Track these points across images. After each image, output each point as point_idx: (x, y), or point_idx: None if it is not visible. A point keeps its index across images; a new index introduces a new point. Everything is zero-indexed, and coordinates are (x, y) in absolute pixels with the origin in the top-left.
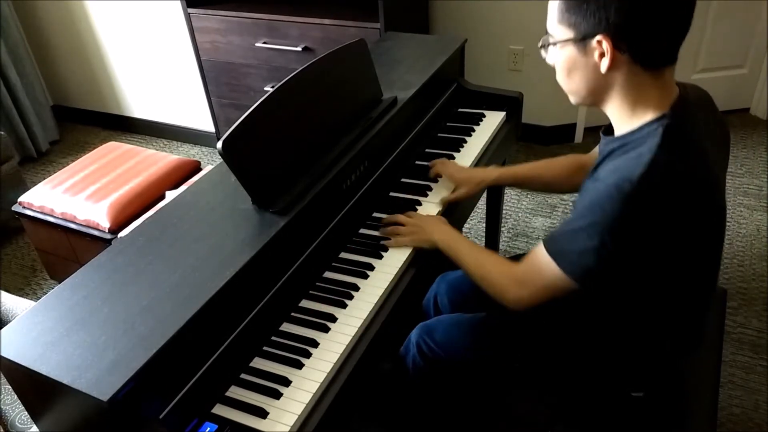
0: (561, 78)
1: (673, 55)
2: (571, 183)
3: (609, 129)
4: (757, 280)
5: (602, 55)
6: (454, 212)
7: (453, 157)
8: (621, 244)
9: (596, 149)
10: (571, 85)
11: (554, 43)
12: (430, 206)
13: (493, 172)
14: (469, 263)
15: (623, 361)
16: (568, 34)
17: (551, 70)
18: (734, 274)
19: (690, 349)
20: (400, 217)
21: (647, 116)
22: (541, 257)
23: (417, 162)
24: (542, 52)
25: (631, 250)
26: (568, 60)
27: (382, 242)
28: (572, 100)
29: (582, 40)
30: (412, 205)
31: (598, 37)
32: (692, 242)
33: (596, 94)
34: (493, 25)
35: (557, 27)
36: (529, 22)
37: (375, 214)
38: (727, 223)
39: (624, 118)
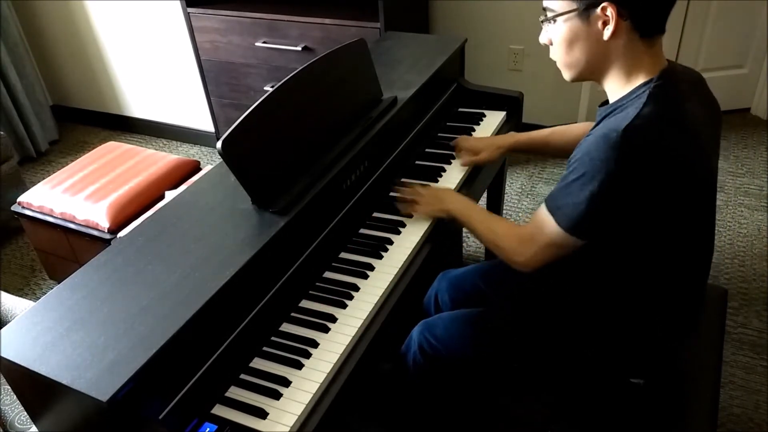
0: (560, 52)
1: (664, 24)
2: None
3: (605, 104)
4: (757, 280)
5: (605, 23)
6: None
7: (453, 157)
8: (610, 191)
9: None
10: (572, 57)
11: (556, 17)
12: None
13: (510, 138)
14: (482, 230)
15: (621, 343)
16: (571, 5)
17: (551, 70)
18: (735, 274)
19: (685, 331)
20: (418, 188)
21: (639, 81)
22: (542, 216)
23: (417, 162)
24: (544, 26)
25: (620, 197)
26: (569, 31)
27: (398, 205)
28: (568, 75)
29: (585, 10)
30: None
31: (604, 4)
32: (680, 199)
33: (595, 64)
34: (493, 24)
35: (558, 2)
36: (529, 22)
37: (375, 214)
38: (728, 223)
39: (618, 86)
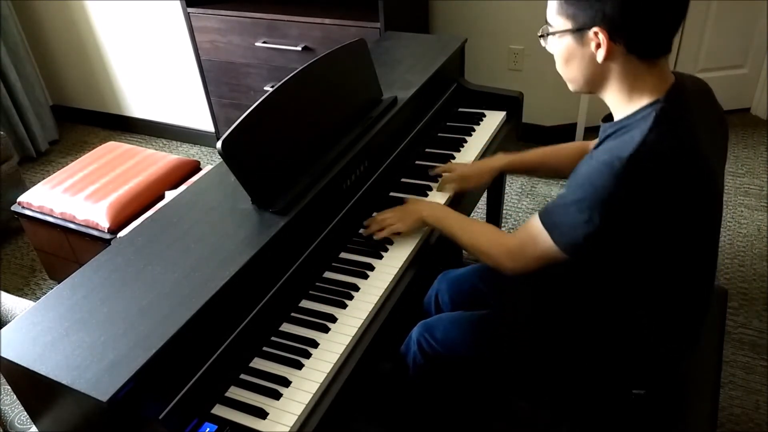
0: (559, 66)
1: (668, 45)
2: None
3: (609, 117)
4: (757, 281)
5: (598, 45)
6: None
7: (453, 157)
8: (609, 219)
9: None
10: (569, 73)
11: (552, 33)
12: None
13: (501, 160)
14: (462, 235)
15: (624, 357)
16: (566, 25)
17: (552, 70)
18: (735, 275)
19: (688, 345)
20: (379, 216)
21: (643, 101)
22: (535, 228)
23: (417, 162)
24: (542, 41)
25: (620, 226)
26: (566, 50)
27: (374, 237)
28: (571, 87)
29: (579, 31)
30: None
31: (595, 29)
32: (684, 224)
33: (593, 82)
34: (493, 24)
35: (556, 18)
36: (529, 22)
37: (375, 214)
38: (728, 223)
39: (621, 104)
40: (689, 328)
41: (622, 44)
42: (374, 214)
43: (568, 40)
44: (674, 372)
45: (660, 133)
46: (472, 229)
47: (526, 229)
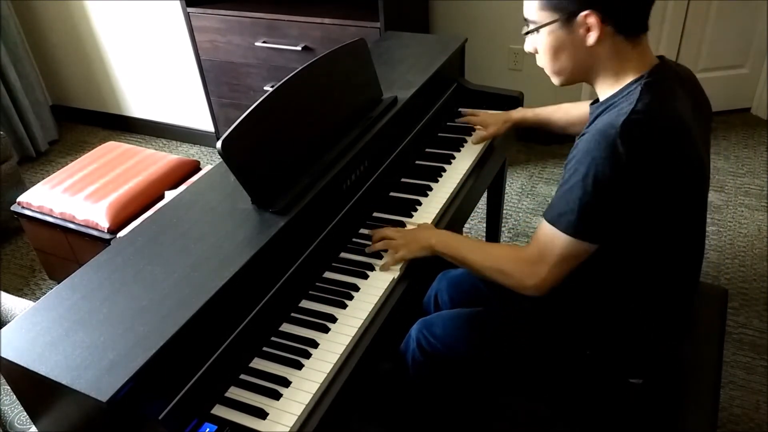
0: (546, 60)
1: (647, 22)
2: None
3: (596, 101)
4: (758, 281)
5: (588, 29)
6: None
7: (453, 157)
8: (613, 186)
9: None
10: (558, 65)
11: (538, 28)
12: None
13: (516, 113)
14: (477, 260)
15: (617, 342)
16: (552, 16)
17: None
18: (735, 275)
19: (680, 328)
20: (388, 231)
21: (628, 79)
22: (545, 230)
23: (417, 162)
24: (527, 39)
25: (623, 191)
26: (554, 41)
27: (378, 267)
28: (557, 80)
29: (567, 19)
30: (413, 205)
31: (585, 12)
32: (674, 196)
33: (582, 69)
34: (493, 24)
35: (539, 13)
36: None
37: (375, 214)
38: (728, 223)
39: (608, 85)
40: (680, 312)
41: (612, 24)
42: (374, 213)
43: (557, 31)
44: (669, 357)
45: (647, 101)
46: (485, 250)
47: (536, 235)
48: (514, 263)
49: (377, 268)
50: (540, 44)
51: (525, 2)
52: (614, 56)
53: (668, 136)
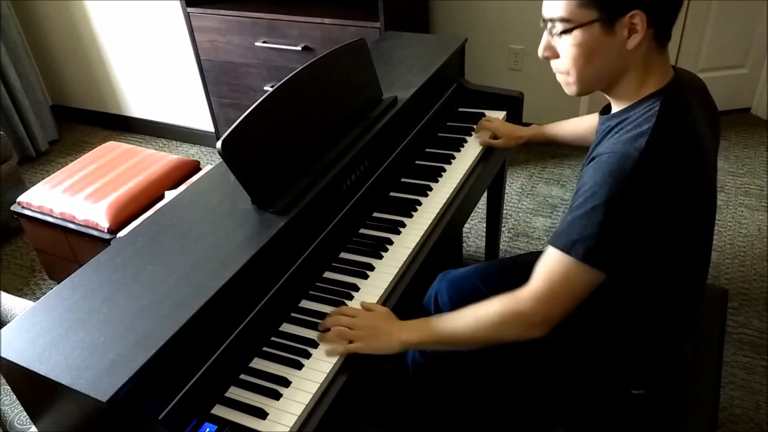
0: (578, 64)
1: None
2: None
3: (605, 109)
4: (758, 281)
5: (631, 32)
6: (457, 210)
7: (453, 157)
8: (636, 211)
9: None
10: (592, 69)
11: (574, 28)
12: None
13: (528, 131)
14: (468, 331)
15: (621, 355)
16: (591, 15)
17: (551, 70)
18: (735, 275)
19: (684, 332)
20: (343, 318)
21: (647, 92)
22: (555, 261)
23: (417, 162)
24: (552, 38)
25: (642, 218)
26: (591, 42)
27: (324, 347)
28: (575, 88)
29: (610, 19)
30: (413, 205)
31: (633, 12)
32: (687, 214)
33: (611, 75)
34: (493, 24)
35: (577, 10)
36: (529, 22)
37: (375, 214)
38: (728, 223)
39: (627, 96)
40: (685, 323)
41: (654, 27)
42: (374, 213)
43: (594, 32)
44: (672, 369)
45: (668, 121)
46: (470, 314)
47: (543, 268)
48: (514, 310)
49: (377, 268)
50: (569, 46)
51: (551, 1)
52: (644, 64)
53: (688, 156)
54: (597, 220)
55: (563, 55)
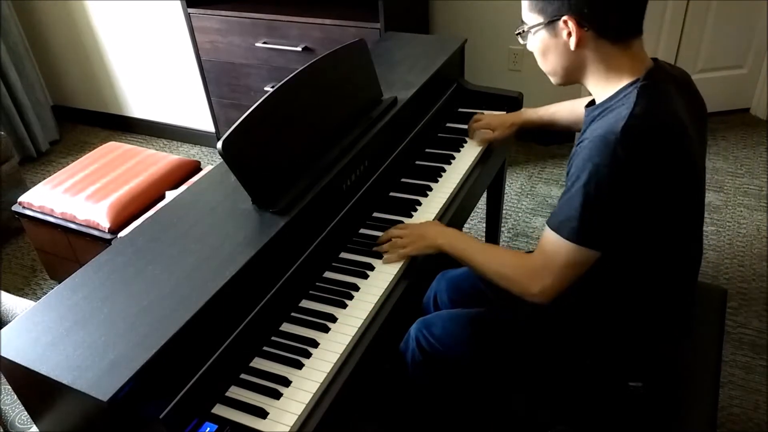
0: (539, 61)
1: (637, 26)
2: None
3: (592, 103)
4: (757, 281)
5: (569, 34)
6: (457, 210)
7: (453, 158)
8: (614, 191)
9: None
10: (548, 66)
11: (527, 30)
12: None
13: (521, 115)
14: (483, 263)
15: (616, 345)
16: (538, 19)
17: None
18: (734, 275)
19: (680, 331)
20: (395, 231)
21: (622, 82)
22: (549, 238)
23: (417, 162)
24: (520, 39)
25: (625, 196)
26: (541, 43)
27: (382, 261)
28: (553, 80)
29: (550, 23)
30: (413, 205)
31: (564, 18)
32: (672, 199)
33: (572, 71)
34: (493, 25)
35: (529, 15)
36: None
37: (375, 214)
38: (728, 223)
39: (601, 88)
40: (679, 315)
41: (592, 29)
42: (374, 213)
43: (543, 34)
44: (669, 361)
45: (644, 105)
46: (491, 254)
47: (540, 243)
48: (519, 270)
49: (377, 267)
50: (532, 46)
51: (522, 2)
52: (601, 60)
53: (667, 138)
54: (578, 202)
55: (533, 52)
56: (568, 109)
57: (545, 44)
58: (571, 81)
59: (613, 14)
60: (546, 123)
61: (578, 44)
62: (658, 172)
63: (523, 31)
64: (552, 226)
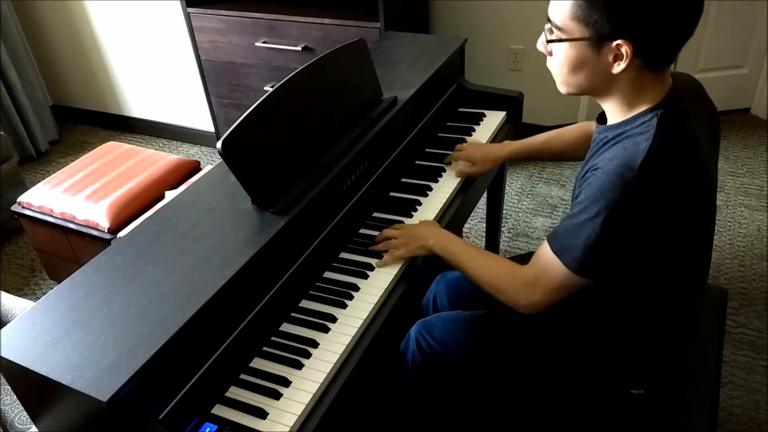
0: (562, 72)
1: (676, 56)
2: (582, 151)
3: (602, 117)
4: (757, 281)
5: (617, 57)
6: (457, 210)
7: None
8: (626, 231)
9: None
10: (575, 79)
11: (567, 40)
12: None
13: (506, 148)
14: (473, 268)
15: (620, 355)
16: (583, 32)
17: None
18: (735, 275)
19: (685, 333)
20: (389, 231)
21: (642, 107)
22: (547, 257)
23: (417, 162)
24: (542, 39)
25: (635, 236)
26: (576, 57)
27: (376, 264)
28: (563, 90)
29: (599, 41)
30: (413, 205)
31: (619, 41)
32: (686, 225)
33: (596, 89)
34: (493, 24)
35: (569, 22)
36: (529, 22)
37: (375, 214)
38: (728, 223)
39: (621, 110)
40: (685, 324)
41: (641, 58)
42: (374, 213)
43: (582, 48)
44: (671, 370)
45: (665, 138)
46: (483, 262)
47: (536, 257)
48: (510, 281)
49: (377, 268)
50: (560, 53)
51: (558, 5)
52: (633, 85)
53: (687, 172)
54: (585, 233)
55: (554, 57)
56: (559, 137)
57: (582, 59)
58: (586, 94)
59: (668, 46)
60: (534, 153)
61: (624, 70)
62: (675, 205)
63: (560, 39)
64: (553, 248)
